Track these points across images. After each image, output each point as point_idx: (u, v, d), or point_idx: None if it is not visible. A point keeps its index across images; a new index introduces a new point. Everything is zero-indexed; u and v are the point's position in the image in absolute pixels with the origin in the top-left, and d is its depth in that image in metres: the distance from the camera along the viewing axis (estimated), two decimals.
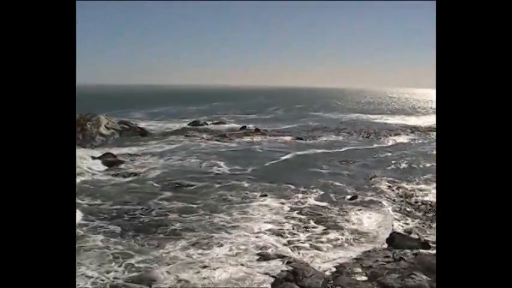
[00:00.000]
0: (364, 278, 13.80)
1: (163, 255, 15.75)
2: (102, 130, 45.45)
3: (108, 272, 14.36)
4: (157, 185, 26.44)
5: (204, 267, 14.70)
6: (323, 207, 21.89)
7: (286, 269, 14.59)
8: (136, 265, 14.98)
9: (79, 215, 19.85)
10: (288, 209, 21.51)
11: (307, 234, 17.90)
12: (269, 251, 16.15)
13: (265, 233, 17.96)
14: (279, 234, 17.91)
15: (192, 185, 26.41)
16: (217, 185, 26.45)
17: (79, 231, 17.72)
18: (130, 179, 28.22)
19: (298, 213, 20.80)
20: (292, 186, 25.97)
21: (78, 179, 27.04)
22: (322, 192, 24.67)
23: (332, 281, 13.57)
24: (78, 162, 31.87)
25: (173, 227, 18.79)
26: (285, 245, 16.81)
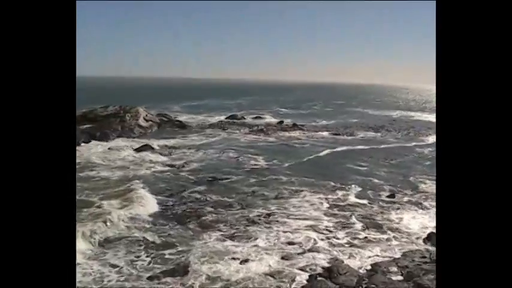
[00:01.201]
0: (400, 277, 13.52)
1: (198, 246, 15.79)
2: (141, 122, 45.94)
3: (133, 262, 14.58)
4: (193, 177, 26.53)
5: (239, 260, 14.66)
6: (362, 204, 21.55)
7: (321, 265, 14.44)
8: (169, 256, 15.08)
9: None
10: (328, 205, 21.22)
11: (346, 231, 17.61)
12: (305, 246, 15.97)
13: (302, 229, 17.75)
14: (317, 230, 17.67)
15: (228, 178, 26.40)
16: (253, 179, 26.35)
17: None
18: (166, 169, 28.45)
19: (338, 210, 20.51)
20: (331, 182, 25.63)
21: (116, 170, 27.44)
22: (360, 189, 24.29)
23: (367, 280, 13.33)
24: (117, 152, 32.36)
25: (208, 219, 18.82)
26: (322, 240, 16.60)
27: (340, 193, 23.42)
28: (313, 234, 17.19)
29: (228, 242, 16.22)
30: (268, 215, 19.49)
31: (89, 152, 33.33)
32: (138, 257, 15.02)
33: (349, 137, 45.89)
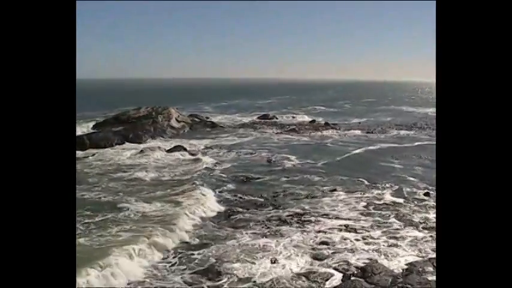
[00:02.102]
0: (435, 278, 13.24)
1: (230, 246, 15.76)
2: (173, 123, 46.30)
3: (165, 259, 14.66)
4: (225, 177, 26.52)
5: (271, 260, 14.54)
6: (398, 203, 21.11)
7: (355, 265, 14.23)
8: (201, 255, 15.11)
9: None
10: (363, 204, 20.89)
11: (381, 231, 17.28)
12: (338, 246, 15.74)
13: (336, 228, 17.53)
14: (351, 229, 17.40)
15: (260, 178, 26.32)
16: (285, 179, 26.20)
17: None
18: (199, 169, 28.50)
19: (373, 209, 20.17)
20: (365, 181, 25.25)
21: (148, 172, 27.68)
22: (396, 188, 23.83)
23: (401, 279, 13.08)
24: (150, 153, 32.61)
25: (240, 218, 18.81)
26: (356, 240, 16.34)
27: (375, 192, 23.03)
28: (347, 234, 16.93)
29: (260, 242, 16.10)
30: (301, 214, 19.29)
31: (122, 153, 33.71)
32: (169, 256, 15.10)
33: (382, 135, 45.32)
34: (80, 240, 15.75)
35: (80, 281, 12.53)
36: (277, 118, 60.64)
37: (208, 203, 20.78)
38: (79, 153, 33.82)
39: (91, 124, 48.24)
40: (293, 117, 63.47)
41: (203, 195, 22.01)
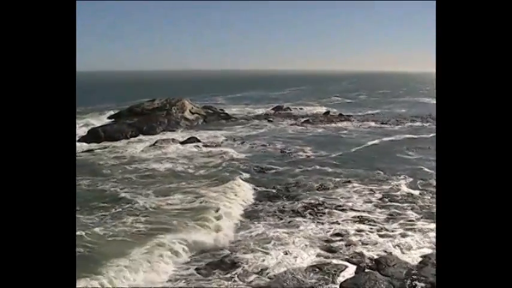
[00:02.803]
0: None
1: (243, 237, 15.79)
2: (187, 115, 46.32)
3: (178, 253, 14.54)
4: (239, 168, 26.48)
5: (284, 251, 14.51)
6: (414, 195, 20.90)
7: (369, 257, 14.15)
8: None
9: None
10: (379, 195, 20.73)
11: (396, 222, 17.11)
12: (352, 238, 15.66)
13: (350, 220, 17.43)
14: (366, 221, 17.28)
15: (274, 169, 26.30)
16: (299, 170, 26.12)
17: None
18: (212, 160, 28.53)
19: (389, 201, 19.98)
20: (381, 173, 25.08)
21: (163, 163, 27.77)
22: (411, 179, 23.58)
23: (416, 271, 12.96)
24: (165, 145, 32.69)
25: (254, 209, 18.88)
26: (370, 232, 16.23)
27: (390, 183, 22.81)
28: (362, 226, 16.82)
29: (274, 233, 16.07)
30: (315, 205, 19.19)
31: (137, 145, 33.90)
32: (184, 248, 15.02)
33: (397, 127, 44.98)
34: (95, 230, 15.91)
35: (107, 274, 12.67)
36: (291, 109, 60.41)
37: (222, 193, 20.73)
38: (94, 146, 34.07)
39: (105, 116, 48.49)
40: (307, 108, 63.24)
41: (216, 185, 22.00)
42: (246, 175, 24.74)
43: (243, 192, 21.04)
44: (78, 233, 15.52)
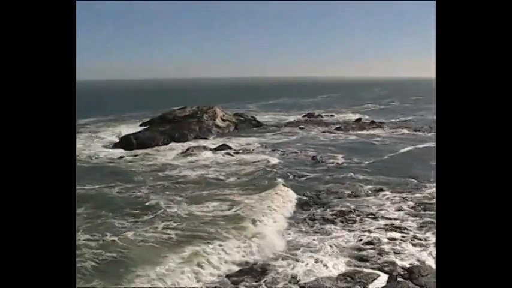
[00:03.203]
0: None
1: (276, 245, 15.61)
2: (218, 122, 46.51)
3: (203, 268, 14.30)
4: (270, 175, 26.40)
5: (315, 259, 14.37)
6: None
7: (401, 266, 13.90)
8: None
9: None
10: (412, 203, 20.36)
11: (429, 231, 16.69)
12: (384, 246, 15.39)
13: (382, 228, 17.14)
14: (398, 229, 16.97)
15: (305, 176, 26.19)
16: (330, 177, 25.94)
17: None
18: (244, 167, 28.50)
19: (422, 209, 19.56)
20: (414, 180, 24.68)
21: (195, 170, 27.88)
22: None
23: None
24: (196, 152, 32.85)
25: (284, 216, 18.69)
26: (403, 240, 15.94)
27: (423, 191, 22.40)
28: (394, 234, 16.52)
29: (304, 240, 15.97)
30: (346, 213, 18.99)
31: (169, 152, 34.20)
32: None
33: (430, 134, 44.18)
34: (128, 235, 16.10)
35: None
36: (322, 116, 60.18)
37: (256, 201, 20.66)
38: (126, 153, 34.46)
39: (137, 124, 49.10)
40: (339, 115, 62.88)
41: (249, 193, 21.94)
42: (278, 182, 24.59)
43: (278, 200, 20.89)
44: (110, 238, 15.74)
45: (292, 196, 21.81)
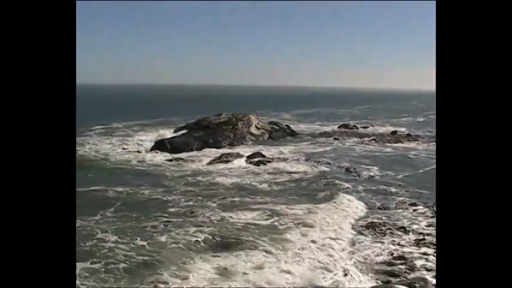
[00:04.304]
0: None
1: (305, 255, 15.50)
2: (253, 130, 46.59)
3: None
4: (303, 185, 26.37)
5: (345, 272, 14.23)
6: None
7: (433, 283, 13.57)
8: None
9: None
10: None
11: None
12: (415, 262, 15.12)
13: (413, 243, 16.86)
14: (432, 245, 16.58)
15: (329, 187, 25.92)
16: (362, 188, 25.80)
17: None
18: (277, 177, 28.48)
19: None
20: None
21: (228, 177, 27.97)
22: None
23: None
24: (230, 159, 32.94)
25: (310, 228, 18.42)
26: (435, 256, 15.63)
27: None
28: (426, 249, 16.16)
29: (334, 252, 15.80)
30: (376, 225, 18.76)
31: (202, 158, 34.57)
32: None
33: None
34: (159, 239, 16.41)
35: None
36: (357, 128, 59.71)
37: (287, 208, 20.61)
38: (160, 157, 34.82)
39: (172, 129, 49.66)
40: (374, 127, 62.29)
41: (281, 203, 21.91)
42: (306, 192, 24.55)
43: (309, 210, 20.81)
44: (141, 241, 15.94)
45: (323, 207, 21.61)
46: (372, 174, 30.18)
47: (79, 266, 13.99)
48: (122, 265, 14.29)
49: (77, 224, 17.90)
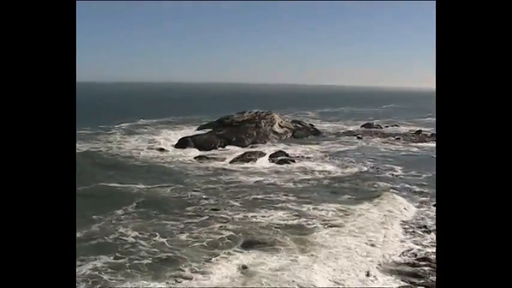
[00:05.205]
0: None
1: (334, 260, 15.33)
2: (276, 128, 46.49)
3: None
4: (325, 184, 26.24)
5: (367, 273, 14.12)
6: None
7: None
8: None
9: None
10: None
11: None
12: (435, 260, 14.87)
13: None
14: None
15: (354, 187, 25.71)
16: (387, 186, 25.56)
17: None
18: (302, 176, 28.38)
19: None
20: None
21: (251, 176, 27.96)
22: None
23: None
24: (253, 158, 32.91)
25: (339, 229, 18.35)
26: None
27: None
28: None
29: (358, 254, 15.61)
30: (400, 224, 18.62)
31: (225, 156, 34.64)
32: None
33: None
34: (180, 236, 16.55)
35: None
36: (381, 127, 59.22)
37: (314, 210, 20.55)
38: (182, 155, 35.00)
39: (195, 127, 49.91)
40: (398, 126, 61.71)
41: (306, 202, 21.81)
42: (332, 191, 24.42)
43: (334, 210, 20.71)
44: (163, 238, 16.06)
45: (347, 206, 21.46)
46: (395, 173, 29.92)
47: (104, 259, 14.38)
48: (145, 261, 14.50)
49: (100, 219, 18.22)
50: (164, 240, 16.16)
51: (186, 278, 13.35)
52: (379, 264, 14.73)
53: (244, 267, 14.12)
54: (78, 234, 16.10)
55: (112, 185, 24.74)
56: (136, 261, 14.42)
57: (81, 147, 36.88)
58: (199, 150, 36.85)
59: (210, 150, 37.12)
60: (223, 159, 33.28)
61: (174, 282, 13.11)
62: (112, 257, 14.68)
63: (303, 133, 48.89)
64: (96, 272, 13.67)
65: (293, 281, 13.31)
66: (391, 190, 24.88)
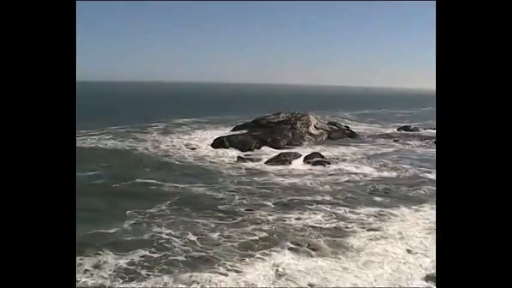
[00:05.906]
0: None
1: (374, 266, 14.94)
2: (311, 130, 46.17)
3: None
4: (361, 187, 25.89)
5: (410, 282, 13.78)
6: None
7: None
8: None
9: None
10: None
11: None
12: None
13: None
14: None
15: (397, 191, 25.34)
16: (424, 192, 24.92)
17: None
18: (335, 178, 28.06)
19: None
20: None
21: (286, 177, 27.79)
22: None
23: None
24: (288, 159, 32.75)
25: (378, 233, 17.98)
26: None
27: None
28: None
29: (398, 261, 15.26)
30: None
31: (261, 157, 34.58)
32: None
33: None
34: (212, 235, 16.66)
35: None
36: (419, 130, 58.19)
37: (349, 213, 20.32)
38: (218, 155, 35.10)
39: (231, 127, 50.06)
40: (435, 130, 60.57)
41: (343, 205, 21.56)
42: (375, 197, 23.95)
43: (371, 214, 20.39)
44: (192, 237, 16.18)
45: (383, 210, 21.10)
46: (431, 178, 29.23)
47: (140, 252, 14.78)
48: (179, 257, 14.72)
49: (135, 215, 18.48)
50: (193, 238, 16.41)
51: (221, 274, 13.52)
52: (425, 273, 14.34)
53: (278, 268, 14.03)
54: (114, 229, 16.42)
55: (147, 181, 25.20)
56: (171, 258, 14.69)
57: (118, 145, 37.37)
58: (235, 150, 36.88)
59: (245, 150, 37.07)
60: (258, 160, 33.18)
61: (210, 277, 13.23)
62: (148, 251, 15.08)
63: (338, 135, 48.39)
64: (133, 267, 13.96)
65: (327, 285, 13.21)
66: (428, 195, 24.29)
